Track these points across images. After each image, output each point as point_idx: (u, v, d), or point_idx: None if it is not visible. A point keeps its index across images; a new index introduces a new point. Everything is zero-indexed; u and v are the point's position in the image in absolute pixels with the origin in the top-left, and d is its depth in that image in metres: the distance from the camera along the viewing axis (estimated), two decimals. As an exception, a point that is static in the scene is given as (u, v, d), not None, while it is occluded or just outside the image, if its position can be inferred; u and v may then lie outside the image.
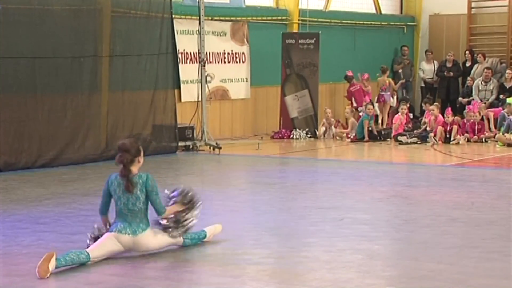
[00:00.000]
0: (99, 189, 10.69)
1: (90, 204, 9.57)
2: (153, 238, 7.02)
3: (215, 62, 17.49)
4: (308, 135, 17.87)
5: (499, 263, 6.74)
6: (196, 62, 16.28)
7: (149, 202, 7.05)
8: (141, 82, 14.82)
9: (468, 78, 20.18)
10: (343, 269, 6.58)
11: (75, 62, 13.66)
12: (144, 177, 7.06)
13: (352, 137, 17.51)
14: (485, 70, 19.68)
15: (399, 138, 17.00)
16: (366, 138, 17.25)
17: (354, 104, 18.98)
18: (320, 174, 13.01)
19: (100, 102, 14.17)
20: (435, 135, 16.81)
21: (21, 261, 6.83)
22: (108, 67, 14.24)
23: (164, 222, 7.12)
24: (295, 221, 8.80)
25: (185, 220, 7.17)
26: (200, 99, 15.83)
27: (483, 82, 19.58)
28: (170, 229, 7.10)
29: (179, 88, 16.37)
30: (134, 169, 7.04)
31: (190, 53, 16.75)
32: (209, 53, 16.95)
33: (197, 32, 15.96)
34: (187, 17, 16.63)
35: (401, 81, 21.15)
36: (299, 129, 17.93)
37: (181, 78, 16.40)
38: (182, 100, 16.47)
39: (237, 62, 18.14)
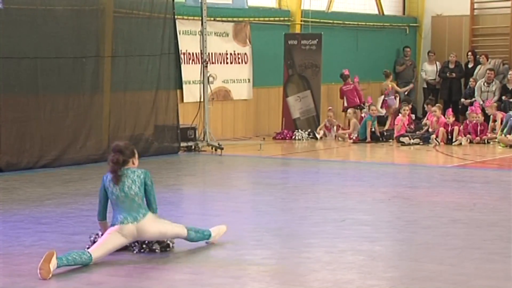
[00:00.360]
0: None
1: (92, 205, 9.55)
2: (154, 222, 7.03)
3: (217, 63, 17.50)
4: (310, 136, 17.86)
5: (501, 265, 6.73)
6: (198, 63, 16.28)
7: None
8: (143, 82, 14.82)
9: (471, 79, 20.16)
10: (344, 270, 6.57)
11: (77, 62, 13.67)
12: (142, 170, 7.11)
13: (354, 138, 17.51)
14: (488, 71, 19.66)
15: (401, 139, 16.98)
16: (368, 139, 17.25)
17: (345, 104, 19.00)
18: (322, 175, 13.00)
19: (102, 102, 14.17)
20: (437, 136, 16.79)
21: (22, 261, 6.84)
22: (110, 68, 14.24)
23: None
24: (296, 222, 8.80)
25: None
26: (202, 99, 15.83)
27: (485, 83, 19.56)
28: None
29: (181, 88, 16.37)
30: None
31: (193, 53, 16.76)
32: (212, 53, 16.96)
33: (200, 32, 15.96)
34: (189, 17, 16.63)
35: (410, 86, 21.18)
36: (301, 130, 17.92)
37: (183, 79, 16.41)
38: (184, 100, 16.47)
39: (239, 63, 18.14)
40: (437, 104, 18.37)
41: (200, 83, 15.94)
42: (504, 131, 16.66)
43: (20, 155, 12.81)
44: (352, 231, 8.13)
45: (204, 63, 15.80)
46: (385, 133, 17.70)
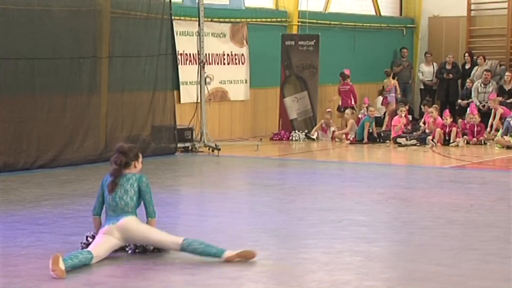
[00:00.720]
0: (97, 190, 10.74)
1: (89, 205, 9.51)
2: (137, 223, 6.97)
3: (215, 64, 17.50)
4: (307, 137, 17.85)
5: (498, 266, 6.74)
6: (196, 64, 16.29)
7: (141, 203, 7.08)
8: (141, 83, 14.81)
9: (468, 80, 20.19)
10: (341, 270, 6.57)
11: (75, 63, 13.66)
12: (137, 176, 7.07)
13: (351, 138, 17.51)
14: (485, 72, 19.69)
15: (398, 140, 17.00)
16: (365, 140, 17.25)
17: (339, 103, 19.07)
18: (319, 175, 13.00)
19: (99, 103, 14.16)
20: (433, 138, 16.80)
21: (19, 262, 6.83)
22: (107, 68, 14.24)
23: None
24: (294, 222, 8.80)
25: None
26: (199, 100, 15.83)
27: (482, 84, 19.58)
28: None
29: (178, 89, 16.38)
30: (128, 172, 7.06)
31: (190, 54, 16.77)
32: (209, 54, 16.96)
33: (197, 33, 15.97)
34: (186, 18, 16.64)
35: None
36: (298, 131, 17.93)
37: (180, 79, 16.41)
38: (182, 101, 16.48)
39: (236, 64, 18.15)
40: (434, 105, 18.38)
41: (197, 84, 15.94)
42: (500, 132, 16.70)
43: (17, 156, 12.80)
44: (350, 232, 8.13)
45: (201, 64, 15.80)
46: (382, 134, 17.71)
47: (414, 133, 17.41)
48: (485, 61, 20.53)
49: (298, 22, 19.35)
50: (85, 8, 13.88)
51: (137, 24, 14.72)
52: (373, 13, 22.22)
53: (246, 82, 18.41)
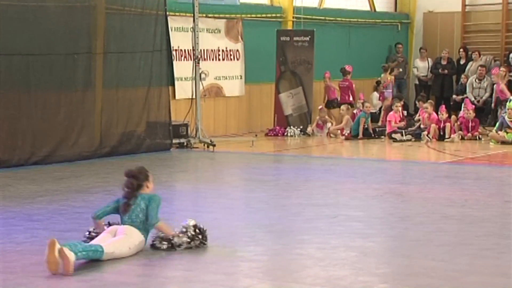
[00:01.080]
0: (92, 187, 10.75)
1: (84, 202, 9.57)
2: (132, 234, 6.92)
3: (210, 59, 17.48)
4: (302, 133, 17.87)
5: (493, 260, 6.75)
6: (191, 59, 16.27)
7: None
8: (135, 79, 14.79)
9: (462, 76, 20.22)
10: (336, 266, 6.58)
11: (69, 59, 13.63)
12: (148, 197, 7.13)
13: (346, 134, 17.52)
14: (479, 67, 19.71)
15: (393, 135, 17.01)
16: (361, 135, 17.26)
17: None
18: (314, 171, 13.01)
19: (94, 99, 14.14)
20: (428, 133, 16.82)
21: (14, 258, 6.82)
22: (102, 64, 14.21)
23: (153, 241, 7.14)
24: (289, 218, 8.80)
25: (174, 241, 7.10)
26: (194, 96, 15.81)
27: (477, 80, 19.61)
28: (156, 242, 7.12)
29: (173, 85, 16.36)
30: (142, 192, 7.18)
31: (185, 50, 16.74)
32: (204, 50, 16.94)
33: (192, 29, 15.95)
34: (181, 14, 16.61)
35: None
36: (293, 127, 17.93)
37: (175, 75, 16.40)
38: (176, 97, 16.46)
39: (231, 59, 18.13)
40: (428, 101, 18.37)
41: (192, 80, 15.92)
42: (496, 126, 16.71)
43: (12, 152, 12.77)
44: (345, 227, 8.14)
45: (196, 60, 15.78)
46: (377, 130, 17.72)
47: (409, 129, 17.42)
48: (479, 56, 20.56)
49: (293, 17, 19.34)
50: (80, 4, 13.85)
51: (131, 20, 14.69)
52: (368, 8, 22.23)
53: (241, 78, 18.39)
